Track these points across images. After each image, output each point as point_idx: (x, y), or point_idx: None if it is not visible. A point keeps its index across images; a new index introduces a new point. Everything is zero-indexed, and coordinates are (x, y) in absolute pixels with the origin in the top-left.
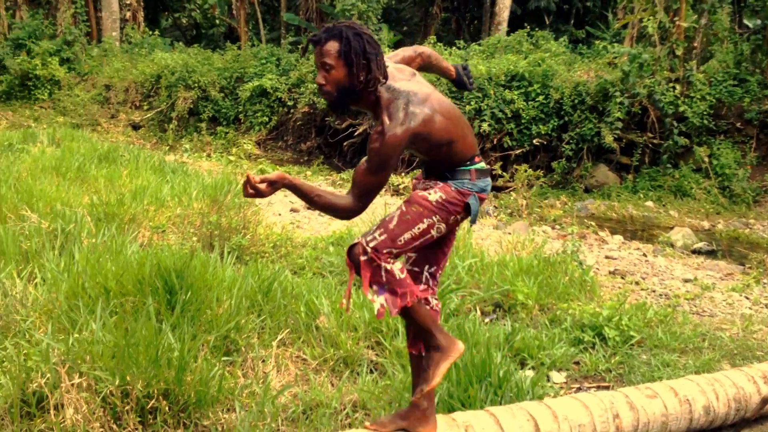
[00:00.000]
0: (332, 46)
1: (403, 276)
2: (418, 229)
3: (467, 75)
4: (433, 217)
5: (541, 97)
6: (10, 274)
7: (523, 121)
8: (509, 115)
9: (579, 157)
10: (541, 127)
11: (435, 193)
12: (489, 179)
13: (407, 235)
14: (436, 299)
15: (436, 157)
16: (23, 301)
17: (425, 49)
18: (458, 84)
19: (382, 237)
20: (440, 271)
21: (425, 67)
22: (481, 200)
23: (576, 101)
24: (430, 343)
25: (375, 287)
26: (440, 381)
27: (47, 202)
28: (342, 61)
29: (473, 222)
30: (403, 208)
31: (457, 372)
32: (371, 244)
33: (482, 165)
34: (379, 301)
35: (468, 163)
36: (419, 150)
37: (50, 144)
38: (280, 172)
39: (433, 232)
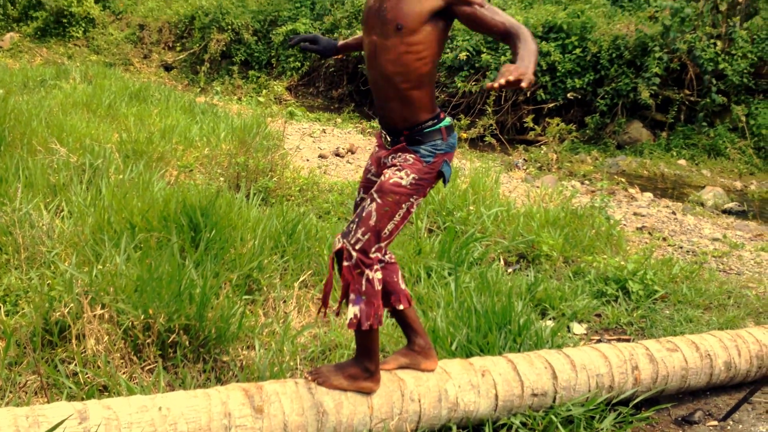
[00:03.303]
0: None
1: (380, 288)
2: (399, 215)
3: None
4: (411, 198)
5: (578, 50)
6: (38, 206)
7: (558, 74)
8: (544, 68)
9: (613, 113)
10: (576, 80)
11: (407, 176)
12: (456, 132)
13: (390, 226)
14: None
15: (424, 68)
16: (49, 233)
17: None
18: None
19: (366, 236)
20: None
21: None
22: (450, 159)
23: (614, 55)
24: (363, 363)
25: (352, 296)
26: (335, 387)
27: (77, 138)
28: None
29: (446, 183)
30: (379, 201)
31: (477, 318)
32: (357, 247)
33: (448, 120)
34: (353, 310)
35: (436, 120)
36: (439, 27)
37: (82, 81)
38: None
39: (413, 210)
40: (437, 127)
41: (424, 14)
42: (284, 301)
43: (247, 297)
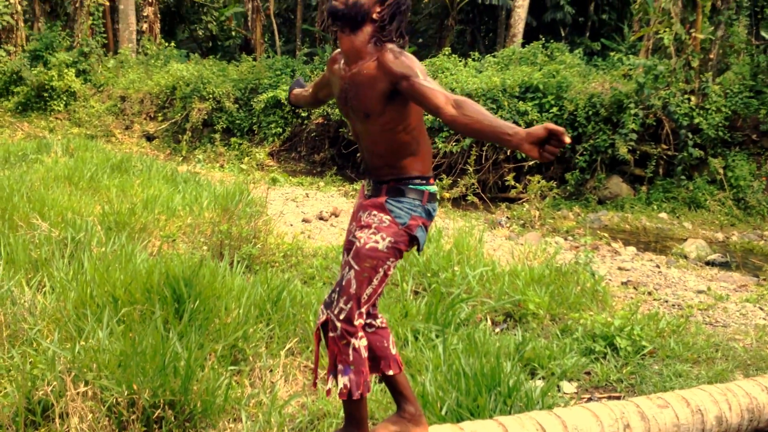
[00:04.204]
0: None
1: (366, 355)
2: (377, 279)
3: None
4: (388, 261)
5: (555, 109)
6: (20, 283)
7: None
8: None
9: (593, 169)
10: None
11: (383, 240)
12: (437, 204)
13: (369, 290)
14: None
15: (406, 138)
16: (31, 310)
17: None
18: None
19: (349, 305)
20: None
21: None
22: (426, 227)
23: (590, 113)
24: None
25: (340, 367)
26: None
27: (58, 211)
28: None
29: (420, 251)
30: (357, 267)
31: (466, 381)
32: (341, 317)
33: (435, 188)
34: (343, 381)
35: (424, 181)
36: (402, 104)
37: (64, 154)
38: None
39: (391, 272)
40: (422, 188)
41: (381, 97)
42: (270, 370)
43: (232, 367)
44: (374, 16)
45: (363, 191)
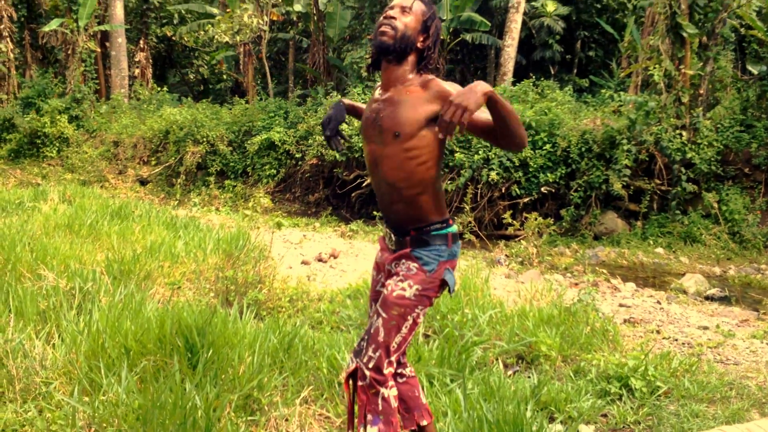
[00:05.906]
0: (420, 5)
1: (396, 405)
2: (406, 327)
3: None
4: (416, 309)
5: (548, 146)
6: (29, 335)
7: (530, 169)
8: (517, 164)
9: (587, 205)
10: (548, 175)
11: (410, 288)
12: (459, 242)
13: (398, 339)
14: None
15: (427, 173)
16: (42, 362)
17: None
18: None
19: (377, 353)
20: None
21: None
22: (453, 268)
23: (583, 149)
24: None
25: (369, 417)
26: None
27: (61, 260)
28: (421, 18)
29: (452, 292)
30: (384, 315)
31: (489, 428)
32: (370, 365)
33: (455, 228)
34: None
35: (444, 224)
36: (432, 134)
37: (61, 201)
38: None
39: (420, 320)
40: (444, 232)
41: (421, 120)
42: (286, 420)
43: (250, 418)
44: (419, 45)
45: (383, 243)
